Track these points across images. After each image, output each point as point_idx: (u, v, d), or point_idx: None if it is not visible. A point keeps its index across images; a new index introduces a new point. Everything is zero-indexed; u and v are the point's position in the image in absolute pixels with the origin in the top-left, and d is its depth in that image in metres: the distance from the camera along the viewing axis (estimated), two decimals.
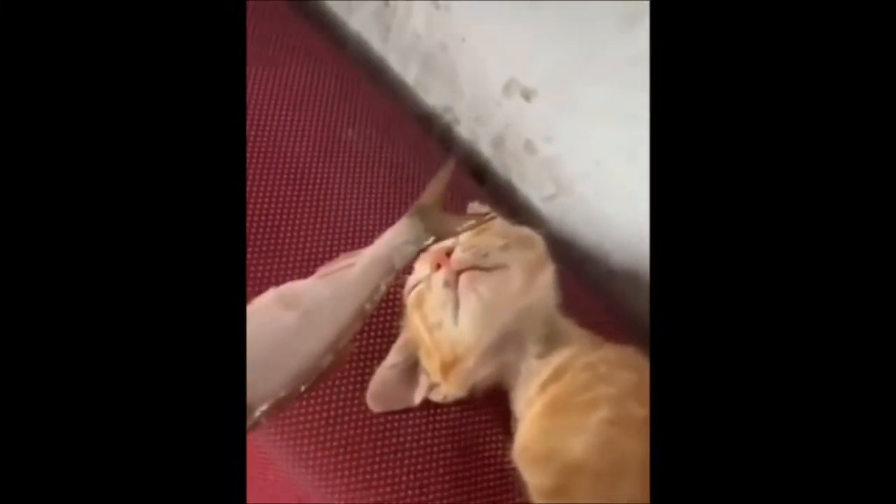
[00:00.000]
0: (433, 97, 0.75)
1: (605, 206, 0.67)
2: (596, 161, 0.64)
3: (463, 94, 0.71)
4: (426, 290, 0.51)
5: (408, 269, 0.56)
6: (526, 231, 0.57)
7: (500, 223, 0.56)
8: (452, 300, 0.49)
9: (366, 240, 0.60)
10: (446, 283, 0.49)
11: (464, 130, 0.75)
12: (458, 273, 0.49)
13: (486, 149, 0.73)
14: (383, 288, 0.40)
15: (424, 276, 0.53)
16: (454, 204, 0.67)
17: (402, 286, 0.56)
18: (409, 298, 0.53)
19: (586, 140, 0.63)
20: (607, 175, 0.64)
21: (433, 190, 0.46)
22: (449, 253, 0.49)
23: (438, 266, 0.50)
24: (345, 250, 0.60)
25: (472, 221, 0.47)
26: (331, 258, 0.56)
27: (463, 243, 0.51)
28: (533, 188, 0.72)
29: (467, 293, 0.48)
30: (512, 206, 0.74)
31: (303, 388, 0.36)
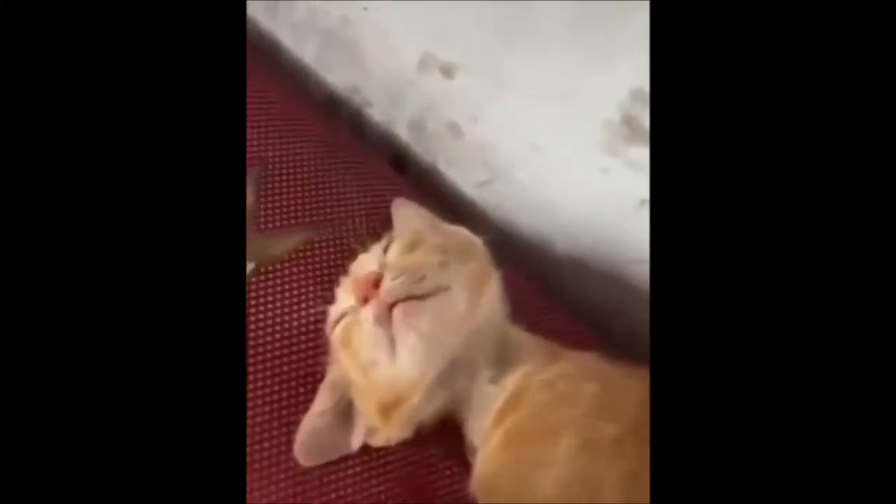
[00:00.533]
0: (337, 77, 0.65)
1: (546, 192, 0.59)
2: (533, 145, 0.56)
3: (371, 73, 0.62)
4: (353, 324, 0.43)
5: (327, 297, 0.48)
6: (463, 236, 0.49)
7: (433, 230, 0.48)
8: (387, 338, 0.41)
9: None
10: (377, 320, 0.40)
11: (377, 113, 0.65)
12: (391, 306, 0.40)
13: (404, 132, 0.64)
14: None
15: (349, 306, 0.44)
16: (372, 198, 0.58)
17: (323, 317, 0.48)
18: (334, 334, 0.45)
19: (520, 121, 0.56)
20: (546, 159, 0.57)
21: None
22: (376, 282, 0.41)
23: (365, 299, 0.41)
24: None
25: (298, 237, 0.38)
26: None
27: (393, 267, 0.42)
28: (463, 174, 0.64)
29: (404, 329, 0.40)
30: (439, 194, 0.66)
31: None
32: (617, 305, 0.64)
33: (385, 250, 0.45)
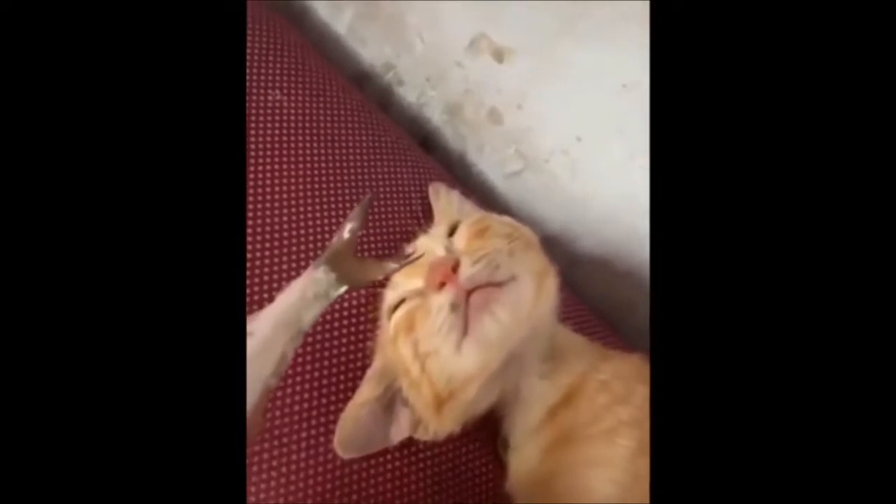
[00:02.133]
0: (371, 52, 0.62)
1: (580, 186, 0.58)
2: (577, 135, 0.55)
3: (412, 50, 0.59)
4: (418, 309, 0.40)
5: (382, 281, 0.45)
6: (519, 226, 0.47)
7: (495, 217, 0.46)
8: (460, 326, 0.38)
9: (296, 232, 0.48)
10: (454, 307, 0.38)
11: (409, 93, 0.62)
12: (469, 293, 0.38)
13: (437, 115, 0.62)
14: (290, 356, 0.34)
15: (412, 291, 0.42)
16: (409, 178, 0.56)
17: (375, 302, 0.45)
18: (394, 320, 0.42)
19: (567, 110, 0.54)
20: (589, 152, 0.55)
21: (347, 230, 0.38)
22: (454, 268, 0.38)
23: (442, 284, 0.38)
24: (270, 242, 0.47)
25: (394, 265, 0.38)
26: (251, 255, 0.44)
27: (469, 252, 0.40)
28: (492, 163, 0.62)
29: (481, 317, 0.38)
30: (464, 182, 0.64)
31: None
32: (636, 306, 0.64)
33: (450, 234, 0.43)
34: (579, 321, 0.58)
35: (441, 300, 0.38)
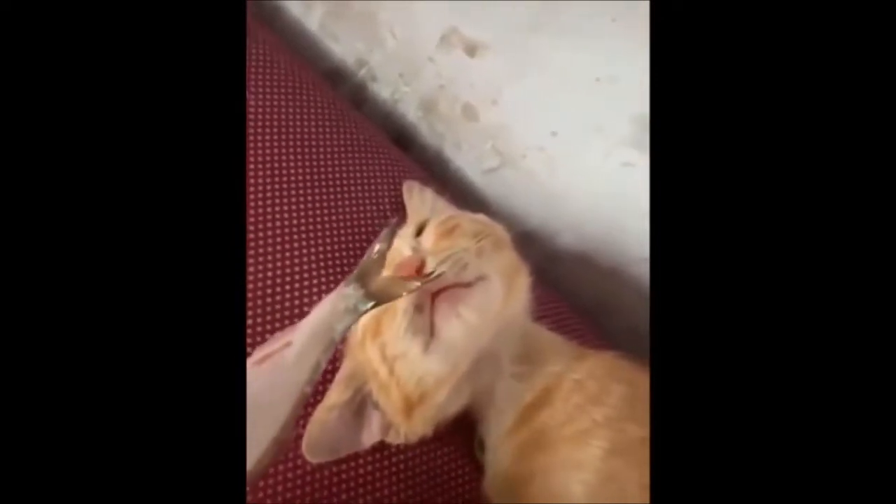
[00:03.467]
0: (343, 48, 0.61)
1: (558, 181, 0.57)
2: (552, 131, 0.54)
3: (384, 46, 0.57)
4: (384, 312, 0.40)
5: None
6: (491, 224, 0.46)
7: (467, 215, 0.45)
8: (425, 328, 0.38)
9: (262, 233, 0.47)
10: (419, 309, 0.37)
11: (383, 89, 0.61)
12: (435, 294, 0.37)
13: (412, 112, 0.61)
14: (323, 365, 0.35)
15: None
16: (381, 178, 0.55)
17: None
18: (361, 322, 0.41)
19: (541, 106, 0.53)
20: (565, 147, 0.54)
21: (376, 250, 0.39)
22: (419, 268, 0.38)
23: None
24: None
25: (418, 283, 0.38)
26: None
27: (434, 252, 0.39)
28: (470, 159, 0.61)
29: (447, 318, 0.37)
30: (441, 179, 0.63)
31: None
32: (617, 304, 0.63)
33: (418, 233, 0.42)
34: (557, 319, 0.57)
35: (405, 302, 0.37)
